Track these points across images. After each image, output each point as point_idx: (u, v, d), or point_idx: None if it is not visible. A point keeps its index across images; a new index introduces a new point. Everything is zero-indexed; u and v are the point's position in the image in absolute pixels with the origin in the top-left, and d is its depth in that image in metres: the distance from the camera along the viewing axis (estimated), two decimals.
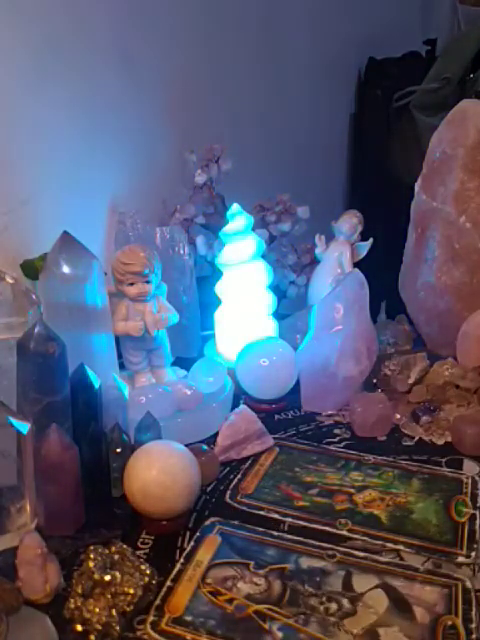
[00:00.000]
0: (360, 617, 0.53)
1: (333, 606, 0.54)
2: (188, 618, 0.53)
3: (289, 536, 0.63)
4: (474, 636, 0.51)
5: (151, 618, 0.53)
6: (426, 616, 0.53)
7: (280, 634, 0.52)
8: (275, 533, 0.63)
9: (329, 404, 0.84)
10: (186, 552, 0.60)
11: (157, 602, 0.55)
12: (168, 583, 0.57)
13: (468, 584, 0.56)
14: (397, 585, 0.56)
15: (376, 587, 0.56)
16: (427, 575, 0.58)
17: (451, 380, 0.84)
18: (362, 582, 0.57)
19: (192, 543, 0.61)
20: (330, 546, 0.61)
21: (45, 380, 0.62)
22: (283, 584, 0.57)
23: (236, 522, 0.65)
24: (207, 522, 0.64)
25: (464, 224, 0.89)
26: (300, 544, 0.62)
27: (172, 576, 0.57)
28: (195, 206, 1.06)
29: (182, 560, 0.59)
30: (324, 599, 0.55)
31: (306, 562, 0.59)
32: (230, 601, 0.55)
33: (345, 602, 0.55)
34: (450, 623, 0.53)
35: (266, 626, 0.53)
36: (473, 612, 0.53)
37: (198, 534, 0.63)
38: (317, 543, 0.62)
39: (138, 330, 0.81)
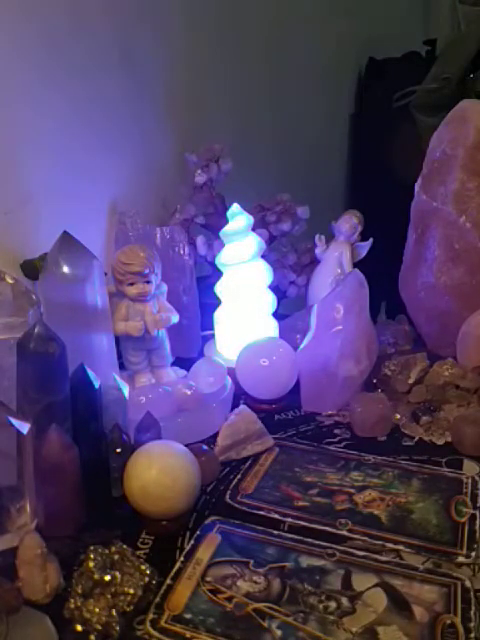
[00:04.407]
0: (359, 616, 0.53)
1: (332, 605, 0.55)
2: (188, 616, 0.53)
3: (289, 535, 0.63)
4: (473, 635, 0.51)
5: (151, 616, 0.53)
6: (425, 615, 0.53)
7: (279, 632, 0.52)
8: (275, 532, 0.63)
9: (329, 404, 0.84)
10: (186, 550, 0.60)
11: (157, 600, 0.55)
12: (168, 581, 0.57)
13: (467, 583, 0.56)
14: (396, 584, 0.56)
15: (375, 586, 0.56)
16: (426, 574, 0.58)
17: (451, 380, 0.84)
18: (361, 581, 0.57)
19: (192, 542, 0.62)
20: (329, 545, 0.61)
21: (45, 380, 0.62)
22: (282, 582, 0.57)
23: (236, 521, 0.65)
24: (207, 520, 0.65)
25: (464, 224, 0.89)
26: (300, 543, 0.62)
27: (172, 574, 0.58)
28: (195, 206, 1.06)
29: (182, 558, 0.60)
30: (323, 597, 0.55)
31: (306, 561, 0.59)
32: (229, 599, 0.55)
33: (344, 601, 0.55)
34: (449, 622, 0.53)
35: (265, 624, 0.53)
36: (472, 611, 0.53)
37: (198, 533, 0.63)
38: (317, 542, 0.62)
39: (138, 330, 0.81)
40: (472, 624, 0.52)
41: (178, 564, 0.59)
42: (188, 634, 0.52)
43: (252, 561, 0.59)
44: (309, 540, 0.62)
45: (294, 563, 0.59)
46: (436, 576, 0.57)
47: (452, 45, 1.52)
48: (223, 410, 0.80)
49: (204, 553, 0.60)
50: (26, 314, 0.70)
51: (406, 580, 0.57)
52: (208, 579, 0.57)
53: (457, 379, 0.84)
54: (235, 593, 0.56)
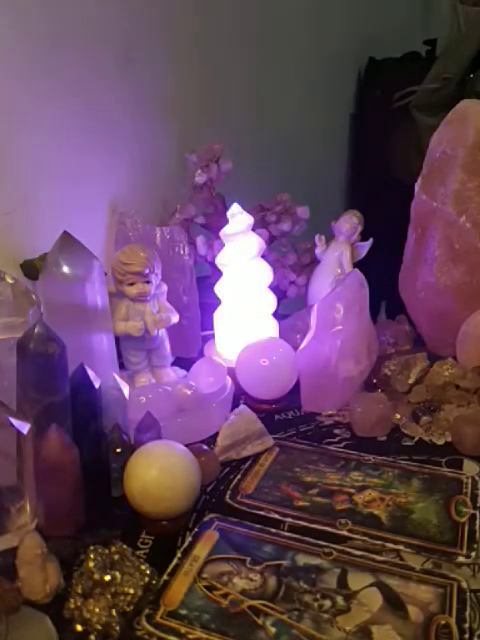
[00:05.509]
0: (353, 614, 0.53)
1: (327, 603, 0.55)
2: (183, 612, 0.54)
3: (286, 533, 0.63)
4: (467, 636, 0.51)
5: (146, 611, 0.54)
6: (420, 615, 0.53)
7: (273, 629, 0.52)
8: (273, 530, 0.63)
9: (329, 404, 0.84)
10: (184, 547, 0.61)
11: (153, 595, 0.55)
12: (165, 577, 0.57)
13: (463, 584, 0.56)
14: (392, 584, 0.56)
15: (371, 585, 0.56)
16: (423, 574, 0.58)
17: (451, 380, 0.84)
18: (357, 580, 0.57)
19: (190, 538, 0.62)
20: (327, 544, 0.61)
21: (45, 380, 0.62)
22: (278, 580, 0.57)
23: (234, 518, 0.65)
24: (206, 518, 0.65)
25: (464, 224, 0.89)
26: (297, 541, 0.62)
27: (169, 570, 0.58)
28: (195, 206, 1.06)
29: (179, 555, 0.60)
30: (318, 596, 0.55)
31: (302, 559, 0.60)
32: (225, 596, 0.55)
33: (339, 599, 0.55)
34: (443, 622, 0.53)
35: (260, 621, 0.53)
36: (467, 612, 0.53)
37: (196, 530, 0.63)
38: (314, 541, 0.62)
39: (138, 330, 0.81)
40: (466, 625, 0.52)
41: (175, 560, 0.59)
42: (183, 630, 0.52)
43: (249, 559, 0.60)
44: (306, 539, 0.62)
45: (290, 561, 0.59)
46: (432, 576, 0.57)
47: (452, 45, 1.52)
48: (223, 410, 0.80)
49: (201, 550, 0.60)
50: (26, 314, 0.70)
51: (402, 580, 0.57)
52: (204, 576, 0.58)
53: (457, 379, 0.84)
54: (231, 590, 0.56)
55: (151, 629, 0.52)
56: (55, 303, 0.74)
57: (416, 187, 0.94)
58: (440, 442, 0.77)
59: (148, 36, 1.07)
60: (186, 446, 0.65)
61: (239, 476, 0.72)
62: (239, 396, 0.85)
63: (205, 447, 0.71)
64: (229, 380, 0.83)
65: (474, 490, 0.69)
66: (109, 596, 0.52)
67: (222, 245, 0.92)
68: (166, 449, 0.63)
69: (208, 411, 0.78)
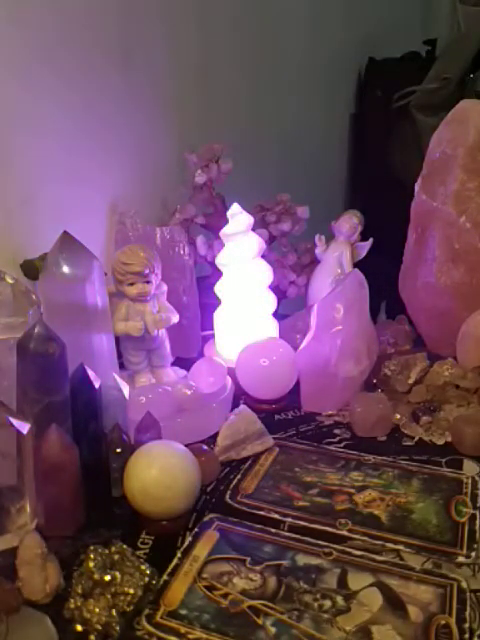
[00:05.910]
0: (353, 614, 0.53)
1: (327, 603, 0.55)
2: (183, 612, 0.54)
3: (286, 533, 0.63)
4: (467, 636, 0.51)
5: (146, 611, 0.54)
6: (420, 615, 0.53)
7: (273, 629, 0.52)
8: (273, 530, 0.63)
9: (329, 404, 0.84)
10: (184, 547, 0.61)
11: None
12: (165, 577, 0.57)
13: (463, 584, 0.56)
14: (392, 584, 0.56)
15: (371, 585, 0.56)
16: (423, 574, 0.58)
17: (451, 380, 0.84)
18: (357, 580, 0.57)
19: (190, 538, 0.62)
20: (327, 544, 0.61)
21: (45, 380, 0.62)
22: (278, 580, 0.57)
23: (235, 519, 0.65)
24: (206, 518, 0.65)
25: (464, 224, 0.89)
26: (297, 541, 0.62)
27: (169, 570, 0.58)
28: (195, 206, 1.06)
29: (179, 555, 0.60)
30: (318, 596, 0.55)
31: (302, 559, 0.60)
32: (225, 596, 0.55)
33: (339, 599, 0.55)
34: (443, 622, 0.53)
35: (260, 621, 0.53)
36: (467, 612, 0.53)
37: (196, 530, 0.63)
38: (314, 541, 0.62)
39: (138, 330, 0.81)
40: (466, 625, 0.52)
41: (175, 560, 0.59)
42: (183, 630, 0.52)
43: (249, 559, 0.59)
44: (306, 539, 0.62)
45: (291, 561, 0.59)
46: (432, 576, 0.57)
47: (452, 45, 1.52)
48: (223, 410, 0.80)
49: (201, 550, 0.60)
50: (26, 314, 0.70)
51: (402, 580, 0.57)
52: (204, 576, 0.58)
53: (457, 379, 0.84)
54: (231, 590, 0.56)
55: (151, 629, 0.52)
56: (55, 303, 0.74)
57: (416, 187, 0.94)
58: (440, 442, 0.77)
59: (148, 36, 1.07)
60: (186, 446, 0.65)
61: (239, 476, 0.72)
62: (239, 396, 0.85)
63: (205, 447, 0.71)
64: (229, 380, 0.83)
65: (474, 490, 0.69)
66: (109, 596, 0.52)
67: (222, 245, 0.92)
68: (166, 449, 0.63)
69: (208, 411, 0.78)
